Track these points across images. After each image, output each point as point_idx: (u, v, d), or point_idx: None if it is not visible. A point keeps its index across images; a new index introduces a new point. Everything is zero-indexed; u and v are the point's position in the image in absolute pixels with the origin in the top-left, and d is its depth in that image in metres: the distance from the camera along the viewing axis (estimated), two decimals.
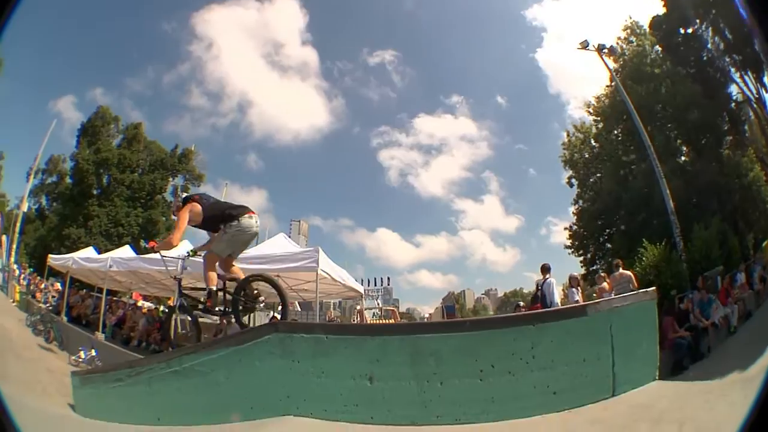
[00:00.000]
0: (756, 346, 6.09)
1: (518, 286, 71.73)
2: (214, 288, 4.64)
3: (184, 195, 4.89)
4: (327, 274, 9.17)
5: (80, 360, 9.19)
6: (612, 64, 17.91)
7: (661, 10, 17.84)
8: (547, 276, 8.26)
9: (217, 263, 4.67)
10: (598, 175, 20.05)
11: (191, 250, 5.03)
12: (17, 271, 16.39)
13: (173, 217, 4.80)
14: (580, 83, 56.68)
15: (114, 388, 4.76)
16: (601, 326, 3.73)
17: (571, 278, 9.38)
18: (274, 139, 76.05)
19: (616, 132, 19.33)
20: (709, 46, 17.45)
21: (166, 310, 8.39)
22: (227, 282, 4.83)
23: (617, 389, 3.63)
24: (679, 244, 12.79)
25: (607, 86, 19.62)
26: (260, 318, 9.56)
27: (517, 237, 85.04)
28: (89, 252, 13.63)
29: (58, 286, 15.53)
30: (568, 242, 20.28)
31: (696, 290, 9.75)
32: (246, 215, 4.52)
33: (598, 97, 20.32)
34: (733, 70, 16.62)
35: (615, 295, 7.36)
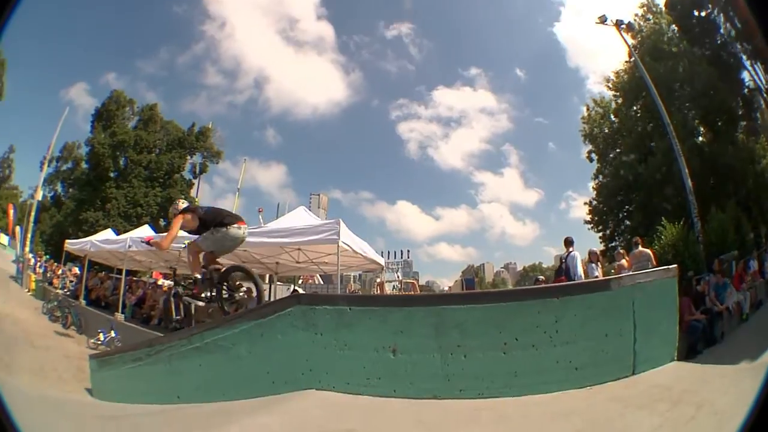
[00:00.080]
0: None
1: (537, 260, 71.68)
2: (199, 276, 5.00)
3: (183, 206, 5.12)
4: (348, 246, 9.02)
5: (99, 342, 9.35)
6: (630, 40, 17.52)
7: None
8: (571, 249, 8.16)
9: (200, 255, 4.99)
10: (618, 150, 19.66)
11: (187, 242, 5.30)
12: (32, 260, 16.52)
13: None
14: (599, 58, 54.91)
15: (133, 368, 4.84)
16: (624, 301, 3.69)
17: (591, 253, 9.20)
18: (293, 114, 73.96)
19: (635, 108, 18.91)
20: (722, 31, 17.04)
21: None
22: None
23: (637, 367, 3.61)
24: (696, 224, 12.57)
25: (626, 62, 19.15)
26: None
27: (536, 211, 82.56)
28: (108, 234, 13.76)
29: (76, 270, 15.70)
30: (588, 217, 20.09)
31: (712, 273, 9.61)
32: (235, 225, 4.85)
33: (617, 72, 19.85)
34: (744, 57, 16.27)
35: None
